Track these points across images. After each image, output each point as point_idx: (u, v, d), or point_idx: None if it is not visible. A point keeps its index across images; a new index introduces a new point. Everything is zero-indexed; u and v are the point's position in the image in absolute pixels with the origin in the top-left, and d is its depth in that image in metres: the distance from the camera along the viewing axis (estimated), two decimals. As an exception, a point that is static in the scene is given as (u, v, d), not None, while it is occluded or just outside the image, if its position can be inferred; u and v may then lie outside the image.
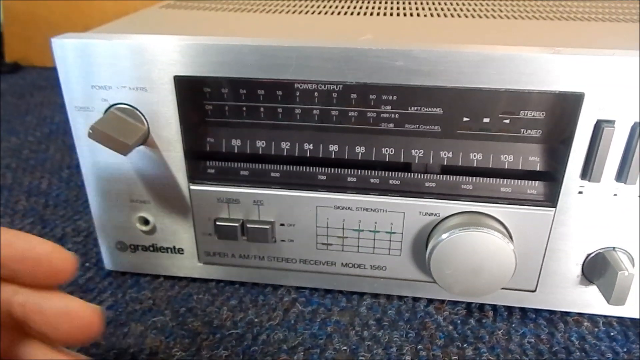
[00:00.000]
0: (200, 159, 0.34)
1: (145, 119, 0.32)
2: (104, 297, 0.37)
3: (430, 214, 0.32)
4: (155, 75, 0.31)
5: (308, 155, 0.32)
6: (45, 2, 0.85)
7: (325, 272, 0.36)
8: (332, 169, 0.33)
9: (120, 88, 0.31)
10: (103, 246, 0.37)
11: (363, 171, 0.33)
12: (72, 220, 0.45)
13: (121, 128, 0.31)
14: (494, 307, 0.35)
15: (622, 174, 0.29)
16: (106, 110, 0.32)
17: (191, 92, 0.32)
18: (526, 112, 0.29)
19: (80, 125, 0.33)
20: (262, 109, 0.32)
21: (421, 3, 0.43)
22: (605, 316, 0.34)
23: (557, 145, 0.30)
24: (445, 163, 0.31)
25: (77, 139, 0.33)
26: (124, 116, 0.32)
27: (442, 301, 0.36)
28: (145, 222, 0.36)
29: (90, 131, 0.30)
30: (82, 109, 0.32)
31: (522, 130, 0.30)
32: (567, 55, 0.27)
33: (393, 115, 0.31)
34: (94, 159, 0.34)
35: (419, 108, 0.30)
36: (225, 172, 0.34)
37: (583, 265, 0.32)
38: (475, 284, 0.32)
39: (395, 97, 0.30)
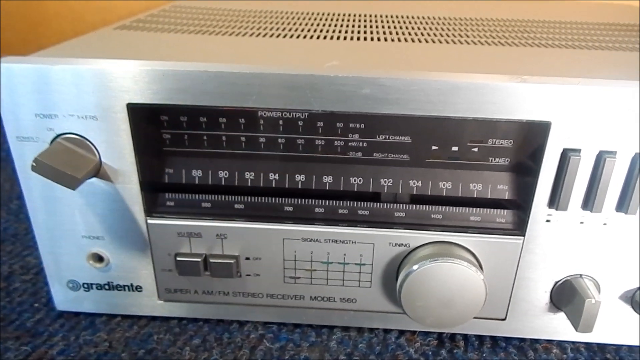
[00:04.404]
0: (158, 191, 0.30)
1: (96, 149, 0.28)
2: (54, 341, 0.32)
3: (400, 245, 0.30)
4: (107, 103, 0.27)
5: (273, 185, 0.29)
6: (-2, 23, 0.78)
7: (293, 306, 0.32)
8: (299, 200, 0.30)
9: (68, 117, 0.27)
10: (53, 286, 0.33)
11: (331, 202, 0.30)
12: (20, 257, 0.40)
13: (69, 160, 0.27)
14: (465, 337, 0.33)
15: (588, 202, 0.27)
16: (52, 141, 0.28)
17: (147, 120, 0.28)
18: (494, 140, 0.27)
19: (23, 157, 0.28)
20: (224, 138, 0.29)
21: (388, 27, 0.41)
22: (573, 342, 0.32)
23: (525, 173, 0.28)
24: (415, 192, 0.29)
25: (21, 172, 0.29)
26: (73, 147, 0.28)
27: (414, 332, 0.33)
28: (100, 259, 0.32)
29: (34, 164, 0.26)
30: (25, 139, 0.28)
31: (491, 158, 0.28)
32: (534, 84, 0.25)
33: (361, 144, 0.28)
34: (40, 192, 0.30)
35: (387, 136, 0.28)
36: (185, 204, 0.30)
37: (551, 292, 0.31)
38: (446, 315, 0.29)
39: (362, 126, 0.28)
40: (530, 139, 0.27)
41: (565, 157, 0.27)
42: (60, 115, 0.27)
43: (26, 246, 0.41)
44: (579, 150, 0.26)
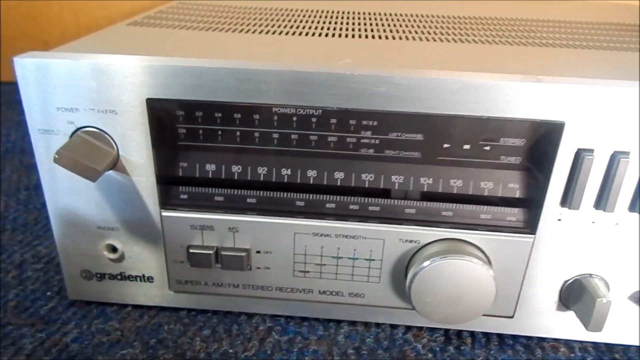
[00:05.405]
0: (173, 184, 0.31)
1: (114, 142, 0.29)
2: (67, 329, 0.33)
3: (410, 241, 0.30)
4: (126, 98, 0.28)
5: (286, 180, 0.30)
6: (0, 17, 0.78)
7: (302, 299, 0.33)
8: (311, 195, 0.30)
9: (88, 110, 0.28)
10: (67, 275, 0.34)
11: (342, 197, 0.30)
12: (31, 246, 0.41)
13: (89, 153, 0.28)
14: (472, 334, 0.33)
15: (600, 202, 0.28)
16: (72, 134, 0.29)
17: (164, 115, 0.29)
18: (506, 139, 0.28)
19: (43, 149, 0.29)
20: (238, 133, 0.29)
21: (400, 26, 0.41)
22: (581, 342, 0.33)
23: (537, 172, 0.28)
24: (426, 189, 0.29)
25: (40, 163, 0.30)
26: (92, 140, 0.28)
27: (421, 328, 0.33)
28: (113, 249, 0.32)
29: (56, 156, 0.27)
30: (46, 132, 0.29)
31: (502, 157, 0.28)
32: (549, 84, 0.26)
33: (373, 141, 0.29)
34: (58, 184, 0.30)
35: (399, 134, 0.28)
36: (199, 197, 0.31)
37: (560, 291, 0.31)
38: (455, 312, 0.30)
39: (375, 123, 0.28)
40: (543, 138, 0.27)
41: (579, 157, 0.27)
42: (81, 109, 0.28)
43: (36, 235, 0.42)
44: (592, 151, 0.27)
